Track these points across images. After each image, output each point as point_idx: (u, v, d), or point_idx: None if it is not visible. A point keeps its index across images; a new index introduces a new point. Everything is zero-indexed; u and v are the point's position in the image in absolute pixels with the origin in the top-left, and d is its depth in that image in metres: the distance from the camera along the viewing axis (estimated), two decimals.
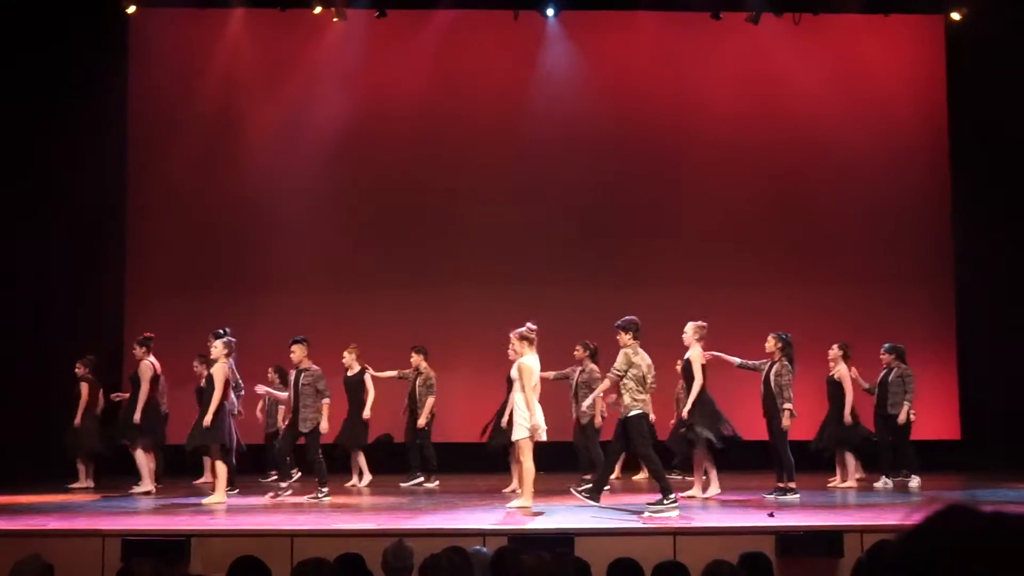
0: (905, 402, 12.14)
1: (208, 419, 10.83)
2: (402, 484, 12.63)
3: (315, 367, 11.56)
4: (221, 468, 10.92)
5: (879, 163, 15.22)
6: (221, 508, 10.32)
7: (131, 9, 14.64)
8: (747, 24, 14.79)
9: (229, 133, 15.03)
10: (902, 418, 12.12)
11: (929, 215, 15.28)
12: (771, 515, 9.09)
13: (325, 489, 10.99)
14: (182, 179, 14.89)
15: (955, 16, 15.02)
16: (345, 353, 13.00)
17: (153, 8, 14.75)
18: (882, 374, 12.43)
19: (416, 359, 13.13)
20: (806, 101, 15.21)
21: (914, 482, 11.96)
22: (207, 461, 12.39)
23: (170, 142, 14.89)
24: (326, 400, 11.51)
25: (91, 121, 14.40)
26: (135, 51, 15.09)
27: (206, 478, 12.83)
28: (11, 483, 11.93)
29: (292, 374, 11.65)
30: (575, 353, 12.18)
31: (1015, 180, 14.66)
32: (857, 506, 10.28)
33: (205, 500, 10.71)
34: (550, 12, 15.20)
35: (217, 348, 11.12)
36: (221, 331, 11.73)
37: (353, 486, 12.73)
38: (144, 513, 9.99)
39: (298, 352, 11.47)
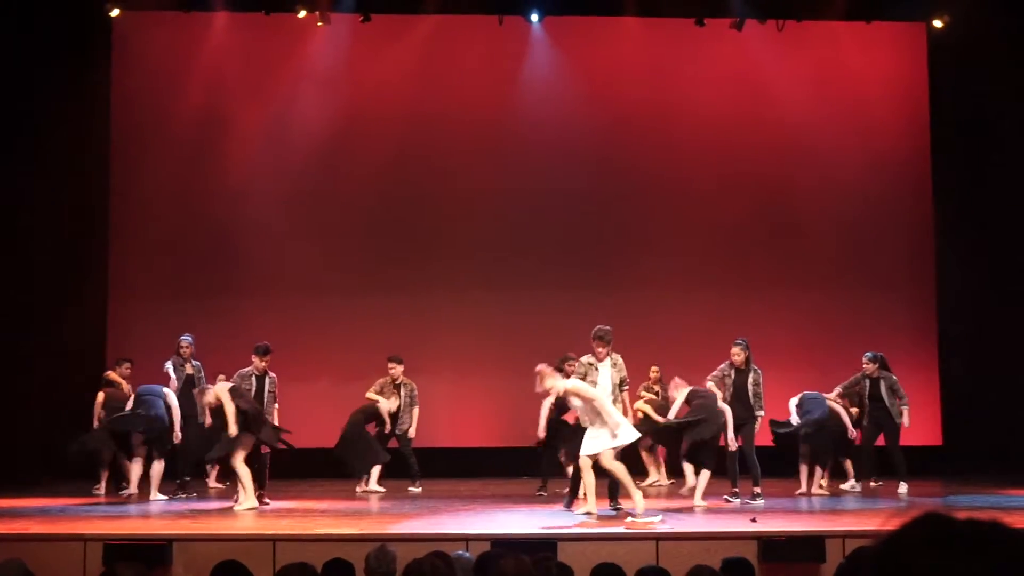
0: (904, 406, 12.24)
1: (233, 429, 10.80)
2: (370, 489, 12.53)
3: (273, 374, 11.77)
4: (246, 472, 10.88)
5: (861, 169, 15.27)
6: (253, 511, 10.40)
7: (115, 12, 14.59)
8: (731, 31, 14.84)
9: (213, 137, 14.99)
10: (907, 421, 12.22)
11: (911, 221, 15.34)
12: (753, 520, 9.12)
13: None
14: (165, 183, 14.84)
15: (937, 24, 15.09)
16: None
17: (137, 11, 14.70)
18: (868, 385, 12.40)
19: (398, 369, 13.00)
20: (789, 107, 15.25)
21: (903, 488, 11.99)
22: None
23: (153, 145, 14.84)
24: (276, 405, 11.78)
25: (74, 124, 14.34)
26: (118, 54, 15.03)
27: (213, 483, 12.93)
28: None
29: (253, 380, 11.62)
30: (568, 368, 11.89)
31: (996, 186, 14.74)
32: (839, 511, 10.31)
33: (237, 507, 10.65)
34: (535, 18, 15.21)
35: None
36: (188, 336, 12.02)
37: (365, 492, 12.60)
38: (126, 517, 9.95)
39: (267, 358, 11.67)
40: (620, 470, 9.51)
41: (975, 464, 13.68)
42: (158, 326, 14.08)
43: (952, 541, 1.31)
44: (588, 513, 9.60)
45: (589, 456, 9.56)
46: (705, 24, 14.86)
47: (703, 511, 10.27)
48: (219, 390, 10.95)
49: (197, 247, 14.87)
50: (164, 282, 14.75)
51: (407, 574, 4.46)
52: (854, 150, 15.27)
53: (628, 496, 9.58)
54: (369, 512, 10.48)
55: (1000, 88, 14.38)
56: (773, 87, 15.29)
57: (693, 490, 10.79)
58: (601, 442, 9.47)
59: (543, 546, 7.51)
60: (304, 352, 14.14)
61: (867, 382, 12.36)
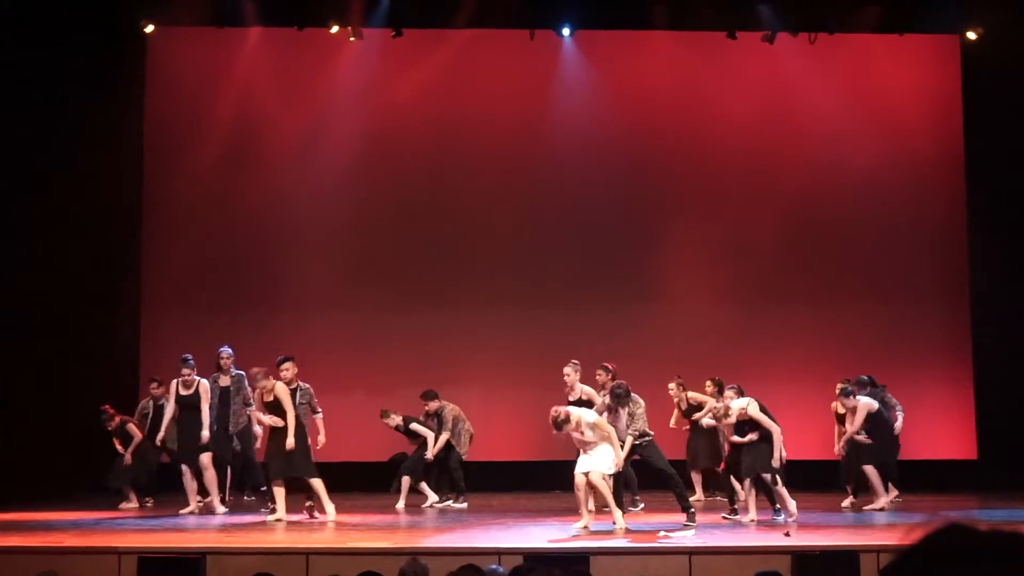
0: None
1: (294, 444, 10.79)
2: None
3: (306, 384, 11.50)
4: (319, 484, 10.88)
5: (895, 182, 15.19)
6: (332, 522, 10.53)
7: (149, 28, 14.72)
8: (763, 44, 14.79)
9: (246, 152, 15.08)
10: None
11: (945, 233, 15.23)
12: (787, 535, 9.08)
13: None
14: (198, 196, 14.95)
15: (971, 36, 15.00)
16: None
17: (171, 27, 14.83)
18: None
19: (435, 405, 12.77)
20: (821, 120, 15.20)
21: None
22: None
23: (187, 159, 14.94)
24: (319, 415, 11.54)
25: (108, 138, 14.47)
26: (152, 69, 15.15)
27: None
28: (27, 500, 11.95)
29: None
30: (597, 378, 11.60)
31: None
32: (874, 525, 10.23)
33: (328, 517, 10.77)
34: (566, 32, 15.22)
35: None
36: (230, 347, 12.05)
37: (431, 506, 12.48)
38: (160, 530, 10.00)
39: (292, 370, 11.27)
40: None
41: (1010, 478, 13.54)
42: (190, 335, 14.17)
43: (974, 551, 1.31)
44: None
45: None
46: (737, 37, 14.80)
47: (737, 525, 10.23)
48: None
49: (229, 259, 14.95)
50: (196, 293, 14.83)
51: None
52: (887, 163, 15.19)
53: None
54: (402, 526, 10.49)
55: None
56: (805, 100, 15.24)
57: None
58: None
59: (576, 560, 7.51)
60: (335, 365, 14.18)
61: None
